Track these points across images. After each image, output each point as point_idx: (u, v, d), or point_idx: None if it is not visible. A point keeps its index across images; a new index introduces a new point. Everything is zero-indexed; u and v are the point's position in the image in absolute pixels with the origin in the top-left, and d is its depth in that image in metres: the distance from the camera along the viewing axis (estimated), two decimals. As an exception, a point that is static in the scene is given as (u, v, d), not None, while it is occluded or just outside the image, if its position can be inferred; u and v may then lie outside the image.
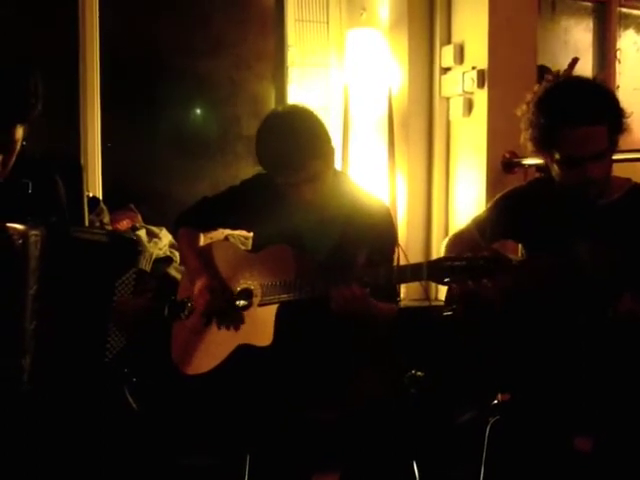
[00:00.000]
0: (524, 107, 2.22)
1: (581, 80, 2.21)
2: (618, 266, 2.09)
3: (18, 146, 2.05)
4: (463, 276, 1.87)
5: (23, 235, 1.93)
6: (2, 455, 1.92)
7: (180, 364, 2.32)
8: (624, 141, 2.20)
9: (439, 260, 1.93)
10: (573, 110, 2.07)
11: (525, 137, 2.21)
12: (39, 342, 1.95)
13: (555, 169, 2.17)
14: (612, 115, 2.11)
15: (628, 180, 2.26)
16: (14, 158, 2.06)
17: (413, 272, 1.99)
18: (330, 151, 2.24)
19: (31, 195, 2.12)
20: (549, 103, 2.14)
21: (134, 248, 2.17)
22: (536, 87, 2.22)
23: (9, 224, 1.94)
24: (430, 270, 1.93)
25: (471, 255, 1.86)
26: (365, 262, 2.08)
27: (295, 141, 2.13)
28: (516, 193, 2.39)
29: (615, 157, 2.20)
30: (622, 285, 2.04)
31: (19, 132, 2.02)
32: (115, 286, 2.09)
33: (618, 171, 2.26)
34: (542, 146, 2.17)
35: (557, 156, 2.13)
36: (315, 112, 2.25)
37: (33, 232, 1.94)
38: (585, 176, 2.10)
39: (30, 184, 2.12)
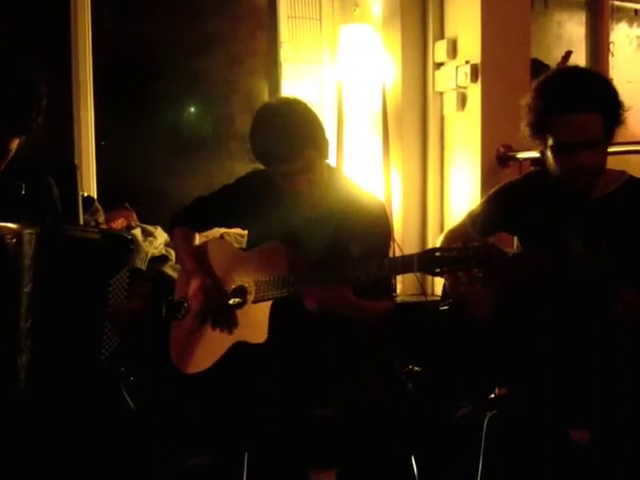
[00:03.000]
0: (527, 95, 2.22)
1: (582, 69, 2.25)
2: (613, 259, 2.09)
3: (11, 155, 2.04)
4: (453, 266, 1.87)
5: (17, 234, 1.93)
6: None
7: (179, 363, 2.33)
8: (619, 133, 2.19)
9: (429, 251, 1.93)
10: (569, 95, 2.08)
11: (524, 123, 2.21)
12: (35, 340, 1.95)
13: (548, 157, 2.17)
14: (609, 105, 2.10)
15: (623, 173, 2.25)
16: (4, 164, 2.06)
17: (404, 264, 1.99)
18: (323, 141, 2.23)
19: (24, 197, 2.12)
20: (547, 88, 2.14)
21: (126, 245, 2.17)
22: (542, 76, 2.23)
23: (2, 223, 1.93)
24: (420, 261, 1.93)
25: (461, 246, 1.87)
26: (360, 258, 2.08)
27: (287, 130, 2.13)
28: (512, 186, 2.39)
29: (609, 149, 2.20)
30: (617, 279, 2.04)
31: (15, 143, 2.02)
32: (109, 283, 2.09)
33: (612, 163, 2.26)
34: (537, 131, 2.17)
35: (550, 142, 2.13)
36: (308, 103, 2.25)
37: (27, 231, 1.94)
38: (576, 164, 2.10)
39: (23, 185, 2.12)
